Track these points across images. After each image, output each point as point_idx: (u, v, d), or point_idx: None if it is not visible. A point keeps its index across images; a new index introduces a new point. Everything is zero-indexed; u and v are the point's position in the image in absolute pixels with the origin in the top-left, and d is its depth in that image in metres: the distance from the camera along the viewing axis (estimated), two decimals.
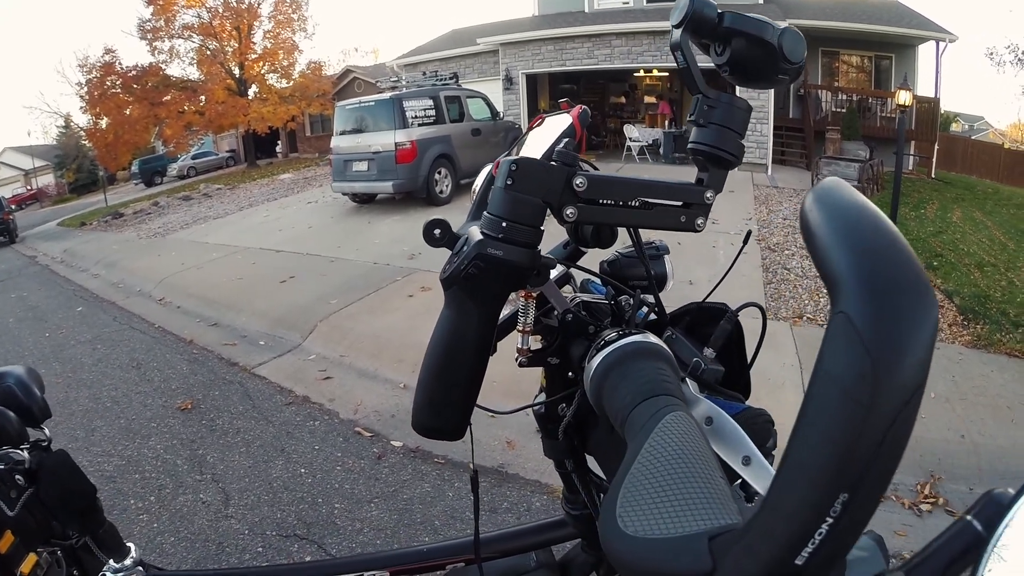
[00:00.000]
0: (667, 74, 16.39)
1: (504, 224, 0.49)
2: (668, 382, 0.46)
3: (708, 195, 0.55)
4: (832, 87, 13.94)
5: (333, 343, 4.36)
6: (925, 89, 13.45)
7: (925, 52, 13.64)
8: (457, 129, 9.52)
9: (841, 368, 0.24)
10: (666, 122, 15.02)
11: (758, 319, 0.65)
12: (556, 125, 0.66)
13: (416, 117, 8.92)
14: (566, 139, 0.59)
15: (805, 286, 5.12)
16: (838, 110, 13.38)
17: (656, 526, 0.32)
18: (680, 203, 0.55)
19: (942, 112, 15.90)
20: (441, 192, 9.11)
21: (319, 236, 7.97)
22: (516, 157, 0.50)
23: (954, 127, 29.25)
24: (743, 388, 0.64)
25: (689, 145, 0.56)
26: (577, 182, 0.51)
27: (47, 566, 0.88)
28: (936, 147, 12.97)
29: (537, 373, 0.72)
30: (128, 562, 0.92)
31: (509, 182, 0.49)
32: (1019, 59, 23.92)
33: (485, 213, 0.51)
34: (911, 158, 12.26)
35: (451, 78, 10.25)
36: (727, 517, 0.31)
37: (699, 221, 0.56)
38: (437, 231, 0.54)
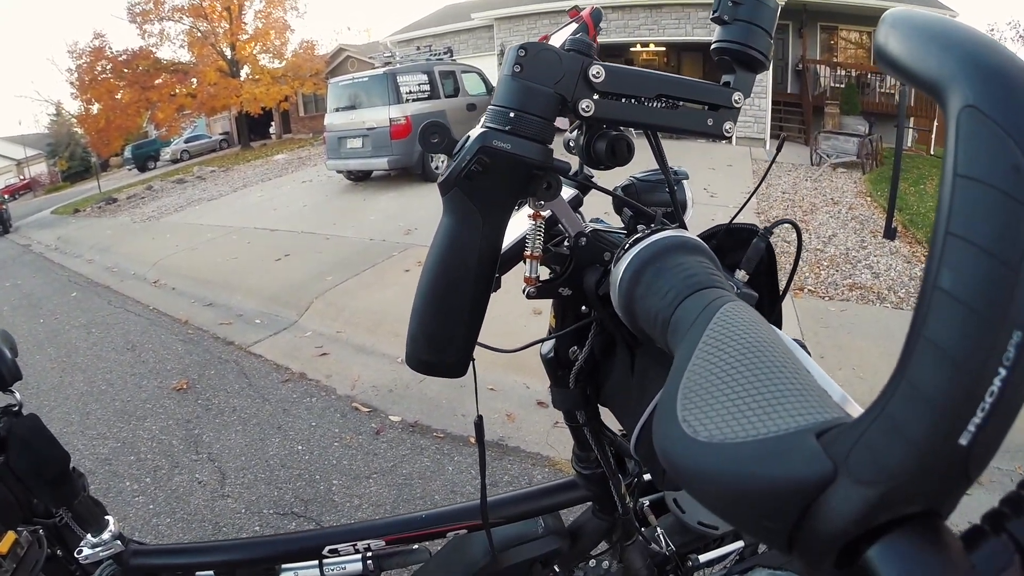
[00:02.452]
0: (664, 49, 16.19)
1: (512, 114, 0.43)
2: (716, 276, 0.39)
3: (736, 98, 0.49)
4: (831, 62, 13.78)
5: (329, 319, 4.29)
6: None
7: None
8: (452, 104, 9.37)
9: (986, 165, 0.19)
10: None
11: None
12: (564, 33, 0.59)
13: (411, 92, 8.79)
14: (580, 33, 0.53)
15: (805, 258, 5.07)
16: (837, 85, 13.24)
17: (739, 427, 0.24)
18: (706, 105, 0.49)
19: None
20: (437, 168, 8.94)
21: (314, 214, 7.87)
22: (524, 42, 0.44)
23: None
24: (775, 321, 0.58)
25: (714, 45, 0.50)
26: (594, 71, 0.44)
27: (27, 545, 0.82)
28: (935, 123, 12.81)
29: (539, 330, 0.66)
30: (106, 536, 0.86)
31: (517, 68, 0.43)
32: (1021, 36, 23.68)
33: (489, 106, 0.44)
34: (910, 132, 12.13)
35: (445, 53, 10.08)
36: (829, 411, 0.24)
37: (727, 126, 0.49)
38: (435, 136, 0.47)
